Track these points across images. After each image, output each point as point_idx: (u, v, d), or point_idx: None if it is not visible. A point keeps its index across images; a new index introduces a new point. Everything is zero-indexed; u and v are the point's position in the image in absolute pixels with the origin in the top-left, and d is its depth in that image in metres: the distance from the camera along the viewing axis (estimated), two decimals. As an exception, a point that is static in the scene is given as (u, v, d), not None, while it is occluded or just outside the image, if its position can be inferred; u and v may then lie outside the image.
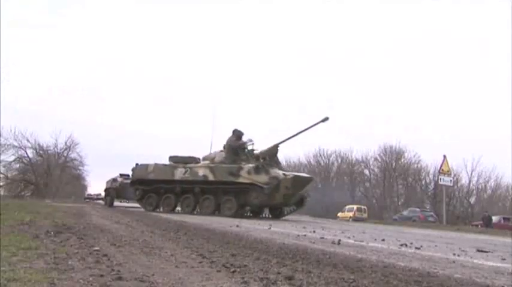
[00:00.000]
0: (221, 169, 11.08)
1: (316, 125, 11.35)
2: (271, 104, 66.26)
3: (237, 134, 11.62)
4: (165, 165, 12.34)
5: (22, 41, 57.63)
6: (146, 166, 12.59)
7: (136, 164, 17.26)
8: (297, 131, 11.66)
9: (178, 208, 12.48)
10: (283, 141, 11.79)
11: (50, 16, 63.60)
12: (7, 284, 1.73)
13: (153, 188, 12.32)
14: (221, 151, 12.00)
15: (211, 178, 11.17)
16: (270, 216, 12.22)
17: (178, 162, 12.11)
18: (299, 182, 11.00)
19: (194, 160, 12.22)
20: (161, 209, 12.30)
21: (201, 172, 11.38)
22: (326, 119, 11.35)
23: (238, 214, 10.86)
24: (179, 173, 11.71)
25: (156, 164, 12.42)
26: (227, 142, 11.67)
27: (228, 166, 11.06)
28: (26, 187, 35.27)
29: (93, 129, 60.48)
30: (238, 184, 10.79)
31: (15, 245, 2.80)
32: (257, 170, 10.65)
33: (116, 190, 16.60)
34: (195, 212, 11.51)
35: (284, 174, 10.71)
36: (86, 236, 3.63)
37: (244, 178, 10.71)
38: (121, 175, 17.26)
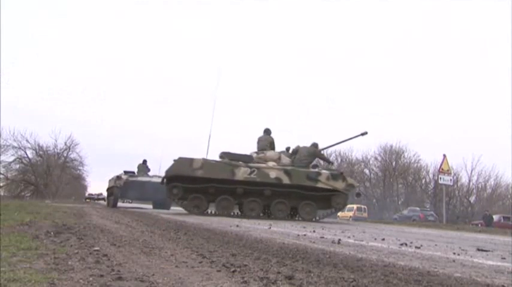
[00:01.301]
0: (299, 172, 10.77)
1: (356, 138, 12.41)
2: (271, 103, 66.31)
3: (314, 144, 11.88)
4: (218, 162, 10.76)
5: (22, 41, 57.70)
6: (191, 160, 10.37)
7: (144, 161, 16.32)
8: (336, 142, 13.03)
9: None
10: (324, 148, 12.94)
11: (50, 16, 63.62)
12: (7, 284, 1.73)
13: (201, 187, 10.49)
14: (281, 152, 11.48)
15: (286, 181, 10.62)
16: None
17: (234, 159, 10.81)
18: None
19: (251, 159, 11.15)
20: (211, 212, 10.91)
21: (273, 174, 10.60)
22: (365, 133, 12.23)
23: (316, 218, 11.18)
24: (242, 173, 10.44)
25: (205, 160, 10.58)
26: (310, 151, 11.54)
27: (305, 170, 10.95)
28: (26, 188, 35.30)
29: (93, 129, 60.62)
30: (317, 189, 10.83)
31: (15, 245, 2.80)
32: (335, 176, 11.02)
33: (120, 189, 14.76)
34: (263, 217, 10.80)
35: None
36: (86, 236, 3.63)
37: (323, 183, 10.81)
38: (125, 172, 15.56)
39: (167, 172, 10.62)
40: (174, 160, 10.51)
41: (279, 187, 10.65)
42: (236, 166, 10.47)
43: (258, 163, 10.93)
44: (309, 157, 11.40)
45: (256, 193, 10.63)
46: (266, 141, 11.36)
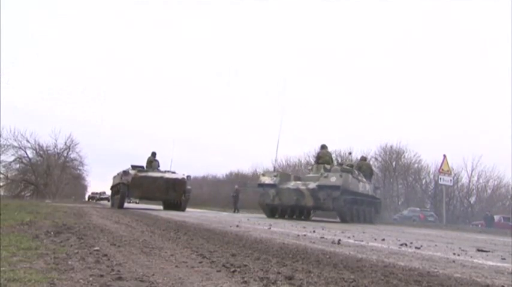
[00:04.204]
0: (372, 185, 13.48)
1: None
2: (270, 103, 66.32)
3: (364, 157, 15.00)
4: (354, 176, 11.82)
5: (22, 41, 57.73)
6: (348, 176, 11.34)
7: (154, 153, 14.46)
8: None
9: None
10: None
11: (50, 16, 63.65)
12: (7, 284, 1.73)
13: (355, 199, 11.90)
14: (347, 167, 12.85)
15: (370, 193, 13.09)
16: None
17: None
18: None
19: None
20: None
21: (366, 187, 12.71)
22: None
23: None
24: (361, 187, 12.14)
25: (354, 176, 11.95)
26: (369, 166, 14.32)
27: (373, 184, 13.70)
28: (26, 187, 35.29)
29: (93, 129, 60.64)
30: (375, 198, 13.87)
31: (15, 245, 2.80)
32: (377, 188, 14.33)
33: (127, 186, 12.62)
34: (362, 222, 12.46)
35: None
36: (86, 236, 3.63)
37: (375, 193, 13.98)
38: (133, 167, 13.31)
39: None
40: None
41: (367, 197, 12.88)
42: (359, 180, 12.15)
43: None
44: (371, 173, 14.14)
45: (361, 202, 12.43)
46: (328, 157, 12.75)
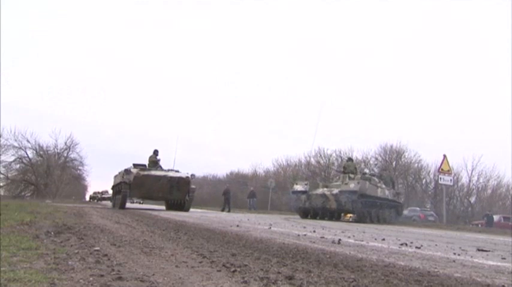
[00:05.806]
0: (393, 191, 15.19)
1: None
2: (270, 104, 66.35)
3: (389, 169, 18.72)
4: (376, 183, 13.86)
5: (22, 41, 57.74)
6: (365, 183, 13.27)
7: (156, 151, 13.97)
8: None
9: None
10: None
11: (50, 16, 63.65)
12: (7, 284, 1.73)
13: (374, 202, 13.63)
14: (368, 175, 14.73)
15: (391, 197, 14.81)
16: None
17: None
18: None
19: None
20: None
21: (386, 192, 14.38)
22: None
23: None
24: (380, 191, 13.87)
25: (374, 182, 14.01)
26: (391, 176, 17.37)
27: (393, 190, 15.47)
28: (26, 187, 35.24)
29: (93, 129, 60.64)
30: (396, 202, 15.61)
31: (15, 245, 2.80)
32: (397, 193, 15.95)
33: (129, 186, 11.98)
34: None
35: None
36: (86, 236, 3.63)
37: (396, 197, 15.74)
38: (135, 165, 12.74)
39: None
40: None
41: (386, 201, 14.45)
42: (378, 186, 13.86)
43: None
44: (391, 181, 16.10)
45: (380, 205, 13.93)
46: (352, 167, 14.76)
